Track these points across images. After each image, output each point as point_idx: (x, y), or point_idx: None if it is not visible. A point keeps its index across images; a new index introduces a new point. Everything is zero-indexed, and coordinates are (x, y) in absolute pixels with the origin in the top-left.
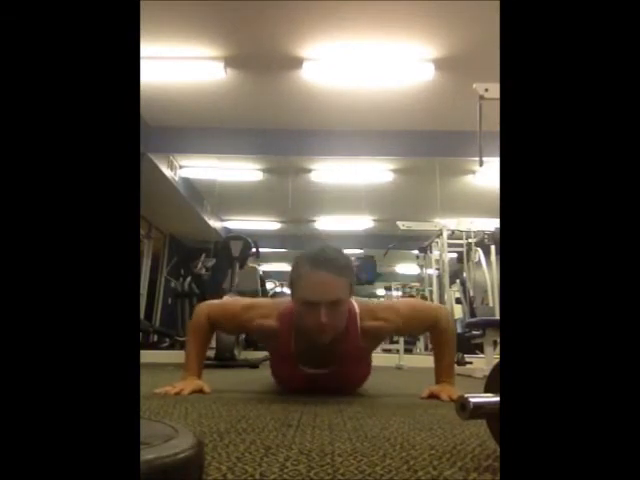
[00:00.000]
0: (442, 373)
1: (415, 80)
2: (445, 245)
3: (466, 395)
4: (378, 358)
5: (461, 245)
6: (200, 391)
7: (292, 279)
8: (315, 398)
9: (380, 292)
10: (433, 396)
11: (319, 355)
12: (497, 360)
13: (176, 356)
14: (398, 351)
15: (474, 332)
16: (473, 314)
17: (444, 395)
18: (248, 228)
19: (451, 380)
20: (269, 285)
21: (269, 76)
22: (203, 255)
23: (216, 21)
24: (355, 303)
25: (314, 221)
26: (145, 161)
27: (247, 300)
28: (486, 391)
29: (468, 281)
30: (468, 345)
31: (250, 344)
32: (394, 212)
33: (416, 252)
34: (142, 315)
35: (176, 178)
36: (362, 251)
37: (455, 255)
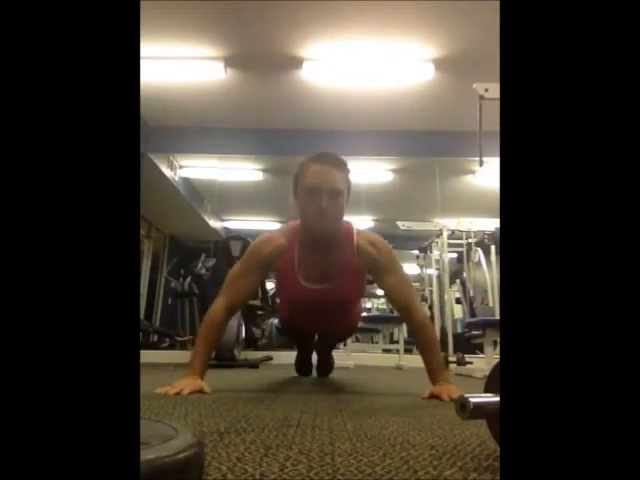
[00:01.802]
0: (435, 372)
1: (415, 80)
2: (445, 245)
3: (466, 395)
4: (378, 358)
5: (461, 245)
6: (200, 391)
7: (296, 176)
8: (315, 398)
9: (380, 292)
10: (434, 396)
11: (319, 268)
12: (497, 360)
13: (176, 356)
14: (398, 351)
15: (474, 332)
16: (473, 314)
17: (444, 395)
18: (248, 228)
19: (447, 377)
20: (269, 285)
21: (269, 76)
22: (203, 255)
23: (216, 21)
24: (354, 227)
25: None
26: (145, 161)
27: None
28: (486, 391)
29: (468, 281)
30: (468, 345)
31: (250, 344)
32: (394, 212)
33: (416, 252)
34: (142, 315)
35: (176, 178)
36: None
37: (455, 255)
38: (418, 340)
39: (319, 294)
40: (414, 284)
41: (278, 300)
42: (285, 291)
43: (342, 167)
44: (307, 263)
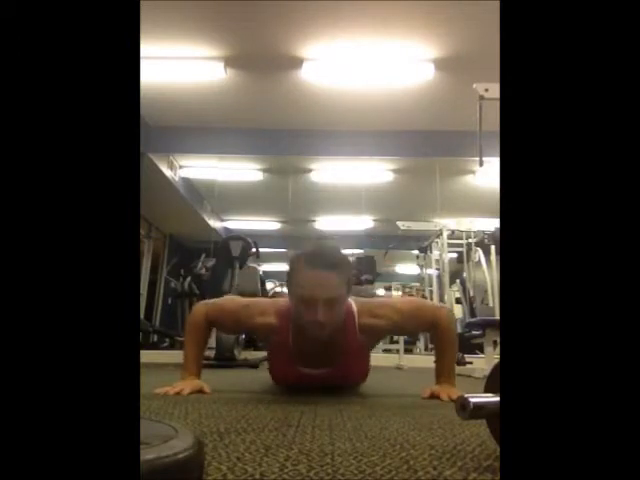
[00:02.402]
0: (442, 373)
1: (415, 80)
2: (445, 245)
3: (466, 395)
4: (378, 358)
5: (461, 245)
6: (200, 391)
7: (289, 277)
8: (315, 398)
9: (380, 292)
10: (434, 396)
11: (317, 353)
12: (497, 360)
13: (176, 356)
14: (398, 351)
15: (474, 332)
16: (473, 314)
17: (444, 395)
18: (248, 228)
19: (452, 380)
20: (269, 285)
21: (269, 76)
22: (203, 255)
23: (216, 21)
24: (352, 301)
25: (314, 221)
26: (145, 161)
27: (245, 299)
28: (486, 391)
29: (468, 281)
30: (468, 345)
31: (250, 344)
32: (394, 212)
33: (416, 252)
34: (142, 315)
35: (176, 178)
36: (362, 251)
37: (455, 255)
38: (438, 342)
39: (319, 378)
40: (414, 284)
41: (268, 359)
42: (278, 369)
43: (339, 268)
44: (304, 350)
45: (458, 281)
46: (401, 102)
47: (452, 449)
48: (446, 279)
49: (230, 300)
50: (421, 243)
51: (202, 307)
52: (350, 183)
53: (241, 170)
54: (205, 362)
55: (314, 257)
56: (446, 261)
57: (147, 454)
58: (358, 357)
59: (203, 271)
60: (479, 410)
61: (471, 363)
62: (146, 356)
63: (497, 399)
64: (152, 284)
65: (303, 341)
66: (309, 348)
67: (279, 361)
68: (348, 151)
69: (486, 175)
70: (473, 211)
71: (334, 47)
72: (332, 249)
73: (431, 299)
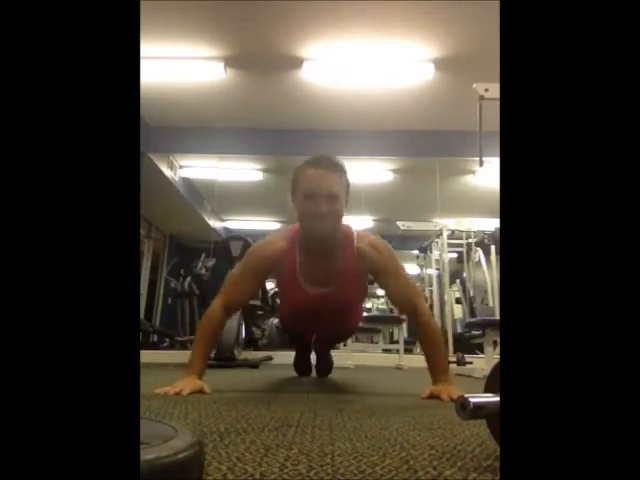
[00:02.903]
0: (437, 372)
1: (415, 80)
2: (445, 245)
3: (466, 395)
4: (378, 358)
5: (461, 245)
6: (200, 391)
7: (293, 181)
8: (315, 398)
9: (380, 292)
10: (434, 396)
11: (321, 272)
12: (497, 360)
13: (176, 356)
14: (398, 351)
15: (474, 332)
16: (473, 314)
17: (444, 395)
18: (248, 228)
19: (448, 378)
20: (269, 285)
21: (269, 76)
22: (203, 255)
23: (216, 21)
24: (354, 230)
25: None
26: (145, 161)
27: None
28: (486, 391)
29: (468, 281)
30: (468, 345)
31: (250, 344)
32: (394, 212)
33: (416, 252)
34: (142, 315)
35: (176, 178)
36: None
37: (455, 255)
38: (422, 340)
39: (320, 298)
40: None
41: (279, 301)
42: (286, 294)
43: (339, 170)
44: (308, 267)
45: (458, 281)
46: (401, 102)
47: (452, 449)
48: (446, 279)
49: (232, 272)
50: (421, 243)
51: (216, 300)
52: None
53: (241, 170)
54: None
55: (317, 160)
56: (446, 261)
57: (147, 454)
58: (355, 281)
59: (203, 271)
60: (479, 410)
61: (471, 363)
62: (146, 356)
63: (497, 399)
64: (152, 284)
65: (308, 255)
66: (313, 263)
67: (287, 286)
68: (348, 151)
69: (486, 175)
70: (473, 211)
71: (334, 47)
72: (331, 157)
73: (431, 299)
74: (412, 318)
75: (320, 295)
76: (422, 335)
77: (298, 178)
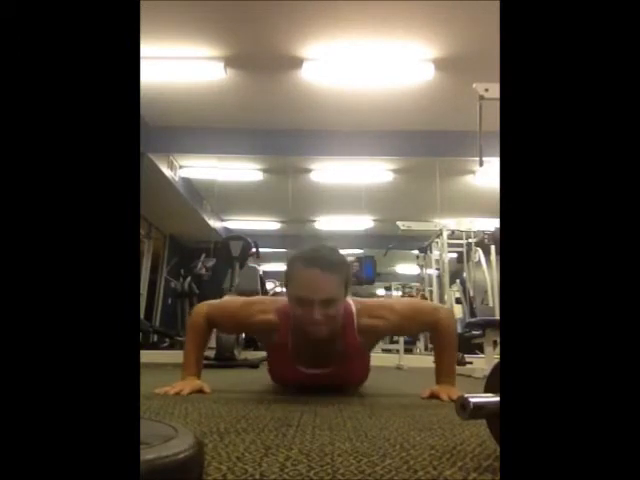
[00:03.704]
0: (442, 373)
1: (415, 80)
2: (445, 245)
3: (466, 395)
4: (378, 358)
5: (461, 245)
6: (200, 391)
7: (286, 277)
8: (315, 398)
9: (380, 292)
10: (433, 396)
11: (317, 354)
12: (497, 360)
13: (176, 356)
14: (398, 351)
15: (474, 332)
16: (473, 314)
17: (444, 395)
18: (248, 228)
19: (452, 380)
20: (269, 285)
21: (269, 76)
22: (203, 255)
23: (216, 21)
24: (352, 301)
25: (314, 221)
26: (145, 161)
27: (245, 298)
28: (486, 391)
29: (468, 281)
30: (468, 345)
31: (250, 344)
32: (394, 212)
33: (416, 252)
34: (142, 315)
35: (176, 178)
36: (362, 251)
37: (455, 255)
38: (438, 342)
39: (318, 378)
40: (414, 284)
41: (266, 356)
42: (277, 368)
43: (336, 268)
44: (303, 349)
45: (458, 281)
46: (401, 102)
47: (452, 449)
48: (446, 279)
49: (230, 300)
50: (421, 243)
51: (202, 307)
52: (350, 183)
53: (241, 170)
54: (205, 362)
55: (311, 257)
56: (446, 261)
57: (147, 454)
58: (357, 358)
59: (203, 271)
60: (479, 410)
61: (471, 363)
62: (146, 356)
63: (497, 399)
64: (152, 284)
65: (302, 341)
66: (308, 348)
67: (278, 360)
68: (348, 151)
69: (486, 175)
70: (473, 211)
71: (334, 47)
72: (330, 250)
73: (431, 299)
74: (434, 331)
75: (317, 375)
76: (440, 339)
77: (291, 275)
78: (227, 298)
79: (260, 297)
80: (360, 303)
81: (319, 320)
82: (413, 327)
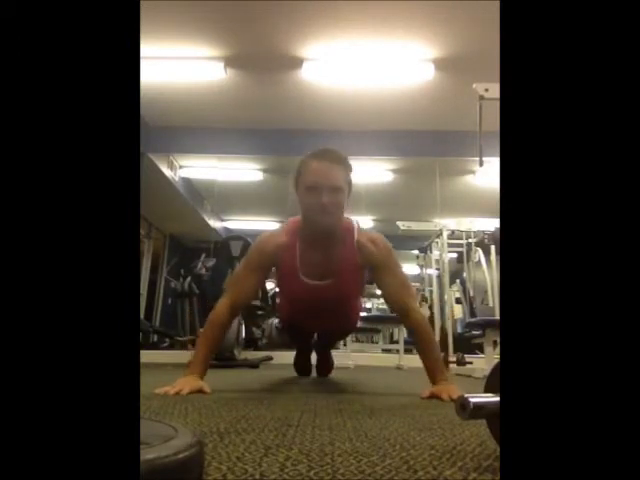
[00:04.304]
0: (433, 372)
1: (415, 80)
2: (445, 245)
3: (466, 395)
4: (378, 358)
5: (461, 245)
6: (200, 391)
7: (296, 173)
8: (315, 398)
9: (380, 292)
10: (434, 396)
11: (320, 264)
12: (497, 360)
13: (176, 356)
14: (398, 351)
15: (474, 332)
16: (473, 314)
17: (445, 395)
18: (248, 228)
19: (446, 378)
20: (269, 285)
21: (269, 76)
22: (203, 255)
23: (216, 21)
24: (354, 221)
25: None
26: (145, 161)
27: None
28: (486, 391)
29: (468, 281)
30: (468, 345)
31: (250, 344)
32: (394, 212)
33: (416, 252)
34: (142, 315)
35: (176, 178)
36: None
37: (455, 255)
38: (416, 340)
39: (320, 290)
40: (414, 284)
41: (278, 300)
42: (286, 288)
43: (342, 163)
44: (308, 260)
45: (458, 281)
46: (401, 102)
47: (452, 449)
48: (446, 279)
49: (235, 271)
50: (421, 243)
51: (223, 300)
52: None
53: (241, 170)
54: None
55: (320, 153)
56: (446, 261)
57: (147, 454)
58: (354, 275)
59: (203, 271)
60: (479, 410)
61: (471, 363)
62: (146, 356)
63: (497, 399)
64: (152, 284)
65: (309, 250)
66: (313, 253)
67: (287, 278)
68: (348, 151)
69: (486, 175)
70: (473, 211)
71: (334, 47)
72: (336, 149)
73: (431, 299)
74: (403, 317)
75: (320, 287)
76: (414, 336)
77: (302, 170)
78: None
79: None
80: (364, 229)
81: (327, 204)
82: (392, 291)
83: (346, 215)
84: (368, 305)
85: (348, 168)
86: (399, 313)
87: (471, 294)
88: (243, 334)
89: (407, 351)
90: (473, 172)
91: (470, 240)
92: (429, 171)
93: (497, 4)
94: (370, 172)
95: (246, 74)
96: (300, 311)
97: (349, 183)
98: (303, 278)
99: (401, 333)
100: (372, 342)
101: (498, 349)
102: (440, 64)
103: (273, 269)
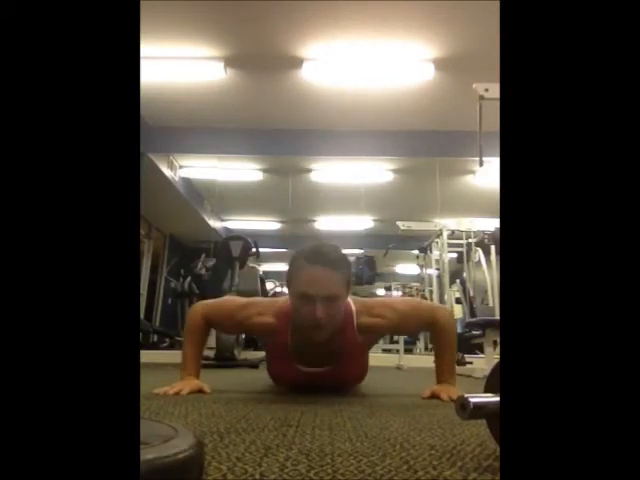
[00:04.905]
0: (442, 373)
1: (415, 80)
2: (445, 245)
3: (466, 395)
4: (378, 358)
5: (461, 245)
6: (200, 391)
7: (289, 274)
8: (315, 398)
9: (380, 292)
10: (434, 396)
11: (316, 353)
12: (497, 360)
13: (176, 356)
14: (398, 351)
15: (474, 332)
16: (473, 314)
17: (444, 395)
18: (248, 228)
19: (452, 380)
20: (269, 285)
21: (269, 76)
22: (203, 255)
23: (216, 21)
24: (351, 300)
25: (314, 221)
26: (145, 161)
27: (244, 299)
28: (486, 391)
29: (468, 281)
30: (468, 345)
31: (250, 344)
32: (394, 212)
33: (416, 252)
34: (142, 315)
35: (176, 178)
36: (362, 251)
37: (455, 255)
38: (438, 341)
39: (318, 376)
40: (414, 284)
41: (267, 361)
42: (277, 368)
43: (339, 265)
44: (303, 349)
45: (458, 281)
46: (401, 102)
47: (452, 449)
48: (446, 279)
49: (228, 300)
50: (421, 243)
51: (199, 307)
52: (350, 183)
53: (241, 170)
54: (205, 362)
55: (315, 254)
56: (446, 261)
57: (147, 454)
58: (356, 357)
59: (203, 271)
60: (479, 410)
61: (471, 363)
62: (146, 356)
63: (497, 399)
64: (152, 284)
65: (302, 341)
66: (308, 347)
67: (277, 360)
68: (348, 151)
69: (486, 175)
70: (473, 211)
71: (334, 47)
72: (332, 247)
73: (431, 299)
74: (433, 329)
75: (316, 374)
76: (438, 336)
77: (294, 272)
78: (226, 298)
79: (258, 298)
80: (360, 302)
81: (321, 317)
82: (412, 325)
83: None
84: None
85: (347, 268)
86: (430, 329)
87: (471, 294)
88: (242, 334)
89: (407, 351)
90: (473, 172)
91: (470, 240)
92: (429, 171)
93: (497, 4)
94: (370, 172)
95: (246, 74)
96: (293, 387)
97: (348, 284)
98: (297, 365)
99: None
100: None
101: (498, 349)
102: (440, 64)
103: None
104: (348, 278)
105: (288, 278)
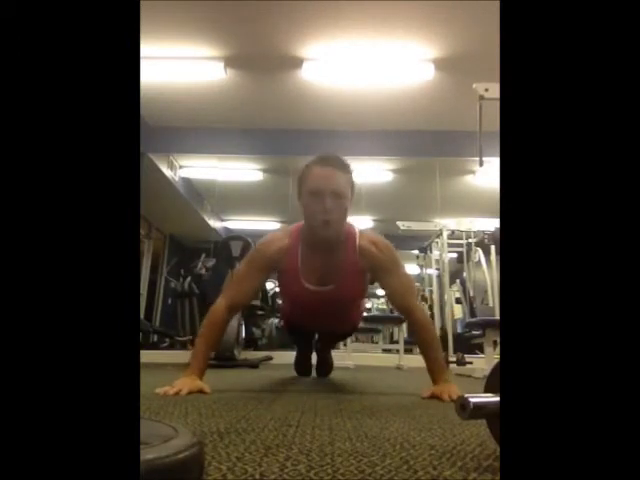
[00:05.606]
0: (433, 372)
1: (415, 80)
2: (445, 245)
3: (466, 395)
4: (378, 358)
5: (461, 245)
6: (200, 391)
7: (300, 180)
8: (315, 398)
9: (380, 292)
10: (434, 396)
11: (322, 270)
12: (497, 360)
13: (176, 356)
14: (398, 351)
15: (474, 332)
16: (473, 314)
17: (445, 395)
18: (248, 228)
19: (448, 378)
20: (269, 285)
21: (269, 76)
22: (203, 255)
23: (216, 21)
24: (356, 228)
25: None
26: (145, 161)
27: (245, 260)
28: (486, 391)
29: (468, 281)
30: (468, 345)
31: (250, 344)
32: (394, 212)
33: (416, 252)
34: (142, 315)
35: (176, 178)
36: None
37: (455, 255)
38: (419, 340)
39: (322, 295)
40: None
41: (280, 301)
42: (288, 292)
43: (345, 169)
44: (310, 265)
45: (458, 281)
46: (401, 102)
47: (452, 449)
48: (446, 279)
49: (236, 273)
50: (421, 243)
51: (221, 299)
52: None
53: (241, 170)
54: None
55: (323, 159)
56: (446, 261)
57: (147, 454)
58: (356, 279)
59: (203, 271)
60: (479, 410)
61: (471, 363)
62: (146, 356)
63: (497, 399)
64: (152, 284)
65: (311, 255)
66: (315, 260)
67: (288, 282)
68: (348, 151)
69: (486, 175)
70: (473, 211)
71: (334, 47)
72: (338, 156)
73: (431, 299)
74: (407, 317)
75: (321, 292)
76: (417, 335)
77: (305, 176)
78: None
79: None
80: (364, 231)
81: (330, 209)
82: (395, 290)
83: (347, 221)
84: (368, 305)
85: (351, 173)
86: (403, 313)
87: (471, 294)
88: (243, 334)
89: (407, 351)
90: (473, 172)
91: (470, 240)
92: (429, 171)
93: (497, 4)
94: (370, 172)
95: (246, 74)
96: (301, 313)
97: (352, 188)
98: (305, 283)
99: (401, 333)
100: (372, 342)
101: (498, 349)
102: (440, 64)
103: (274, 272)
104: (352, 182)
105: (299, 183)
